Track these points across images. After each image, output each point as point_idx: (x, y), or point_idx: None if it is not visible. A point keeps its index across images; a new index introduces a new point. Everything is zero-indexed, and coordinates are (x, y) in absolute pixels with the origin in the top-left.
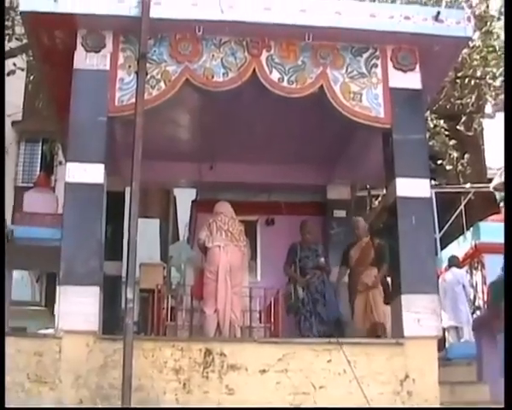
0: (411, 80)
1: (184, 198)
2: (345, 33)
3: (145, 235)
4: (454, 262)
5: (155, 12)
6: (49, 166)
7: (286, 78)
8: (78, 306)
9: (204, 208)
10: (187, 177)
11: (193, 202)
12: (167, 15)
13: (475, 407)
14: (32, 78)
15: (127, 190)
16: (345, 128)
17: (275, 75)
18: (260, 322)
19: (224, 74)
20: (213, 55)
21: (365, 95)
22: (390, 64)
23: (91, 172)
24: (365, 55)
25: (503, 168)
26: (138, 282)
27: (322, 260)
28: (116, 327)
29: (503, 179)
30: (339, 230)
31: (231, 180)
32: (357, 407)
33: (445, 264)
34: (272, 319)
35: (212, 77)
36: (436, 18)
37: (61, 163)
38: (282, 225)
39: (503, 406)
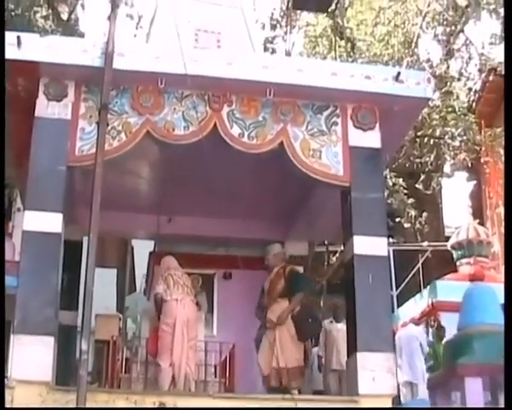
0: (371, 139)
1: (142, 249)
2: (306, 91)
3: (102, 285)
4: (410, 320)
5: (118, 63)
6: (6, 212)
7: (246, 133)
8: (32, 355)
9: (162, 260)
10: (145, 228)
11: (150, 253)
12: (130, 67)
13: (475, 407)
14: None
15: (85, 239)
16: (304, 184)
17: (235, 130)
18: (215, 376)
19: (184, 128)
20: (175, 109)
21: (325, 152)
22: (350, 122)
23: (49, 221)
24: (326, 113)
25: (460, 227)
26: (93, 332)
27: None
28: (70, 378)
29: (459, 238)
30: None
31: (189, 233)
32: (358, 406)
33: (401, 321)
34: (227, 374)
35: (173, 130)
36: (396, 78)
37: (19, 210)
38: (240, 279)
39: None
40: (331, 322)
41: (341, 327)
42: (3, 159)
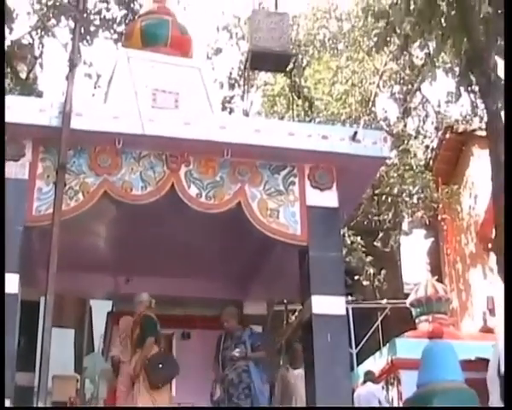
0: (328, 198)
1: (101, 309)
2: (263, 151)
3: (59, 345)
4: (369, 377)
5: (76, 123)
6: None
7: (204, 193)
8: None
9: (119, 321)
10: (103, 288)
11: (108, 313)
12: (88, 127)
13: (474, 407)
14: None
15: (42, 299)
16: (262, 244)
17: (193, 190)
18: None
19: (142, 188)
20: (132, 169)
21: (282, 212)
22: (307, 182)
23: (5, 282)
24: (283, 173)
25: (419, 284)
26: (51, 394)
27: (238, 349)
28: None
29: (418, 295)
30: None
31: (148, 293)
32: (357, 406)
33: (361, 379)
34: None
35: (131, 190)
36: (353, 138)
37: None
38: (199, 339)
39: None
40: (287, 369)
41: (299, 373)
42: (3, 158)
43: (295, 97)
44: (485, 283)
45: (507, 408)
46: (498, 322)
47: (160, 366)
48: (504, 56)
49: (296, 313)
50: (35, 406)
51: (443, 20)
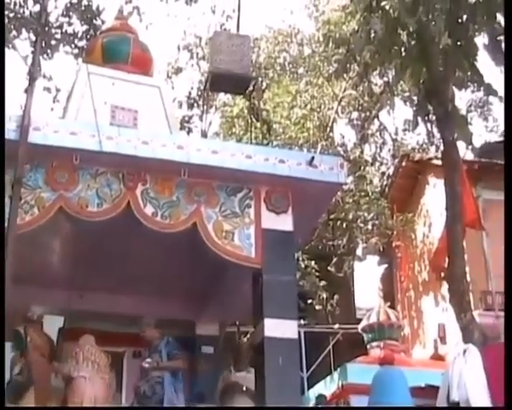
0: (283, 222)
1: (51, 325)
2: (220, 172)
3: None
4: (320, 401)
5: (34, 137)
6: None
7: (160, 213)
8: None
9: (71, 337)
10: (56, 304)
11: (60, 329)
12: (45, 142)
13: (474, 407)
14: None
15: None
16: (216, 265)
17: (149, 209)
18: None
19: (98, 205)
20: (89, 185)
21: (237, 234)
22: (263, 205)
23: None
24: (239, 195)
25: (371, 310)
26: None
27: (149, 359)
28: None
29: (370, 321)
30: (206, 366)
31: (101, 310)
32: (357, 406)
33: (312, 403)
34: None
35: (87, 206)
36: (310, 163)
37: None
38: None
39: None
40: (230, 371)
41: (242, 375)
42: (3, 160)
43: (254, 120)
44: (437, 310)
45: (507, 408)
46: (449, 350)
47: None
48: (504, 57)
49: (248, 335)
50: None
51: (403, 49)
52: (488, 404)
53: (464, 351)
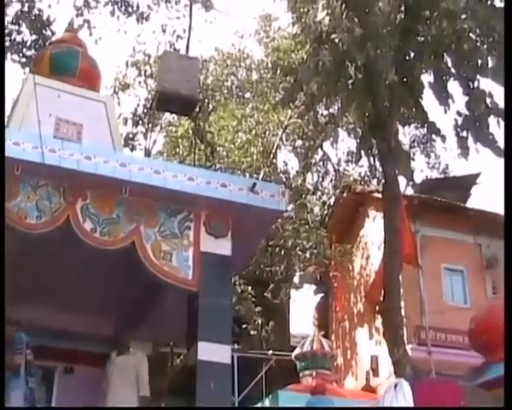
0: (222, 246)
1: None
2: (161, 193)
3: None
4: None
5: None
6: None
7: (99, 229)
8: None
9: None
10: None
11: None
12: None
13: (477, 407)
14: None
15: None
16: (153, 285)
17: (88, 225)
18: None
19: (37, 217)
20: (29, 197)
21: (175, 256)
22: (203, 228)
23: None
24: (179, 217)
25: (306, 338)
26: None
27: None
28: None
29: (304, 349)
30: None
31: (33, 323)
32: (358, 406)
33: None
34: None
35: (26, 218)
36: (252, 189)
37: None
38: (82, 374)
39: None
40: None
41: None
42: (3, 159)
43: (198, 141)
44: (371, 343)
45: (507, 408)
46: (381, 382)
47: None
48: (505, 60)
49: (181, 357)
50: None
51: (349, 82)
52: None
53: (396, 385)
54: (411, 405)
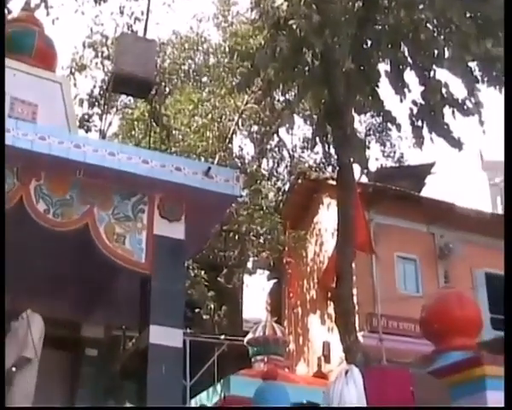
0: (176, 230)
1: None
2: (116, 175)
3: None
4: None
5: None
6: None
7: (52, 210)
8: None
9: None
10: None
11: None
12: None
13: (478, 407)
14: None
15: None
16: (106, 268)
17: (41, 206)
18: None
19: None
20: None
21: (129, 238)
22: (156, 211)
23: None
24: (133, 200)
25: (258, 324)
26: None
27: None
28: None
29: (256, 335)
30: (89, 368)
31: None
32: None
33: None
34: None
35: None
36: (206, 173)
37: None
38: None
39: None
40: None
41: None
42: (3, 159)
43: (154, 124)
44: (323, 329)
45: (507, 408)
46: (332, 368)
47: None
48: (505, 59)
49: (133, 340)
50: None
51: (306, 69)
52: None
53: (346, 371)
54: (362, 391)
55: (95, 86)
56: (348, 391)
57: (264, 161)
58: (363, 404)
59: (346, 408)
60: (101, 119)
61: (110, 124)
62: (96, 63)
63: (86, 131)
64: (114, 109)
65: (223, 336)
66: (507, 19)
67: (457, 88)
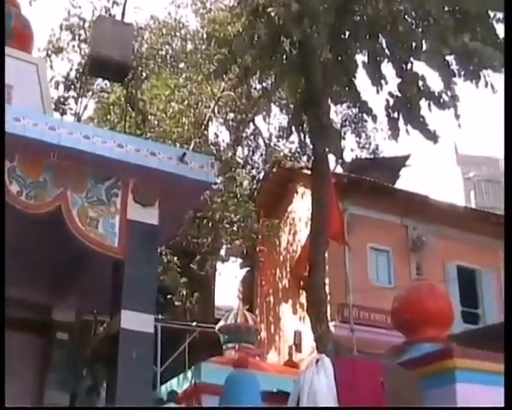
0: (149, 215)
1: None
2: (90, 158)
3: None
4: (172, 397)
5: None
6: None
7: (25, 192)
8: None
9: None
10: None
11: None
12: None
13: (478, 407)
14: None
15: None
16: (79, 251)
17: (14, 188)
18: None
19: None
20: None
21: (102, 222)
22: (130, 196)
23: None
24: (107, 184)
25: (230, 311)
26: None
27: None
28: None
29: (228, 322)
30: (59, 352)
31: None
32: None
33: (164, 398)
34: None
35: None
36: (181, 159)
37: None
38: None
39: None
40: None
41: None
42: (3, 159)
43: (130, 109)
44: (295, 318)
45: (507, 408)
46: (303, 357)
47: None
48: (505, 59)
49: (105, 325)
50: None
51: (284, 57)
52: None
53: (317, 360)
54: (332, 381)
55: (71, 69)
56: (318, 380)
57: (240, 148)
58: (333, 393)
59: (367, 408)
60: (76, 102)
61: (86, 107)
62: (73, 46)
63: (61, 114)
64: (90, 93)
65: (194, 323)
66: (507, 19)
67: (434, 81)
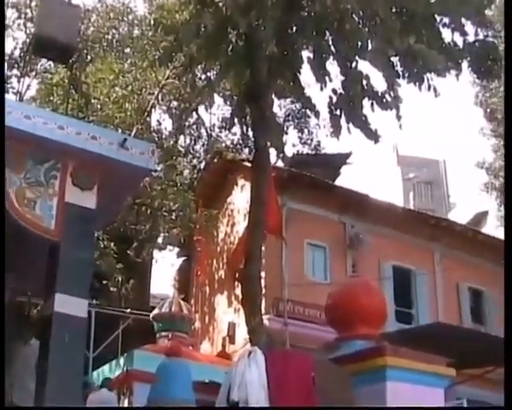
0: (87, 199)
1: None
2: (30, 139)
3: None
4: (105, 384)
5: None
6: None
7: None
8: None
9: None
10: None
11: None
12: None
13: (478, 407)
14: None
15: None
16: (14, 232)
17: None
18: None
19: None
20: None
21: (39, 204)
22: (69, 179)
23: None
24: (46, 165)
25: (165, 299)
26: None
27: None
28: None
29: (162, 311)
30: None
31: None
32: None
33: (96, 383)
34: None
35: None
36: (122, 144)
37: None
38: None
39: None
40: None
41: None
42: (3, 159)
43: (73, 91)
44: (229, 310)
45: (507, 408)
46: (236, 349)
47: None
48: (505, 55)
49: (38, 308)
50: None
51: (230, 48)
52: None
53: (250, 353)
54: (263, 373)
55: (15, 48)
56: (250, 372)
57: (182, 137)
58: (265, 386)
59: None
60: (19, 81)
61: (28, 87)
62: (19, 24)
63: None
64: (34, 73)
65: (128, 310)
66: (507, 19)
67: (378, 81)
